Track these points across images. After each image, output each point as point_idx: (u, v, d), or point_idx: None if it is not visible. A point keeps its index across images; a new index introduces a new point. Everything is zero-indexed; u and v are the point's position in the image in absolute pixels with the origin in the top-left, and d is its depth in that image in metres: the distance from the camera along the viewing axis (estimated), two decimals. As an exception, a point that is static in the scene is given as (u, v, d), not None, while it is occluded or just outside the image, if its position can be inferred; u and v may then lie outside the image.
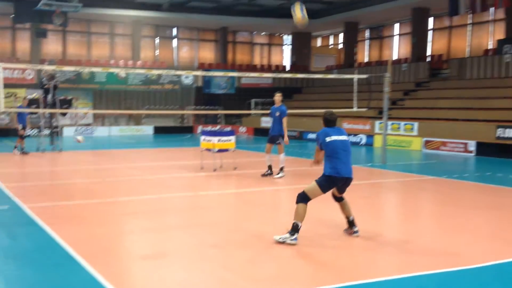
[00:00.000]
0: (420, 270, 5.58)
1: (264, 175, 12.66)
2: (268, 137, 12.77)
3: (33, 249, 6.39)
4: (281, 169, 12.56)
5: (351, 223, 6.90)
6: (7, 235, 7.03)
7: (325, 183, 6.54)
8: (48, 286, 5.12)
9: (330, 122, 6.80)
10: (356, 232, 6.85)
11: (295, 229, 6.44)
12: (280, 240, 6.47)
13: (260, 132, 30.40)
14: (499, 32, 29.17)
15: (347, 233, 6.91)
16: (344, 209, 6.88)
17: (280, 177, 12.47)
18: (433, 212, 9.20)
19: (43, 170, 14.47)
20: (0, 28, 32.58)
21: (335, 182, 6.56)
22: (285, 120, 12.30)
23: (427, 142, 20.93)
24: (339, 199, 6.88)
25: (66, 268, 5.63)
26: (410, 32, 32.97)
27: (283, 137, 12.41)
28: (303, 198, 6.55)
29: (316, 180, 6.58)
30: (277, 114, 12.45)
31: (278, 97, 12.63)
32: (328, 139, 6.61)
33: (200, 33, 38.57)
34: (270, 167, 12.73)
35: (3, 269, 5.57)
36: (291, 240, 6.41)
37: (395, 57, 36.30)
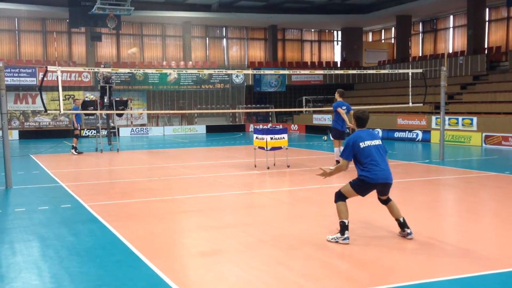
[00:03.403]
0: (481, 270, 5.37)
1: None
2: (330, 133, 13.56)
3: (96, 246, 6.56)
4: (337, 162, 13.01)
5: (402, 225, 6.55)
6: (70, 232, 7.25)
7: (359, 187, 6.36)
8: (111, 282, 5.23)
9: (363, 121, 6.54)
10: (410, 234, 6.48)
11: (343, 228, 6.35)
12: (332, 240, 6.39)
13: (312, 130, 30.18)
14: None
15: (401, 236, 6.58)
16: (393, 211, 6.57)
17: None
18: (495, 210, 8.81)
19: (101, 170, 14.89)
20: (57, 33, 33.81)
21: (370, 187, 6.35)
22: (340, 111, 13.11)
23: (487, 137, 20.15)
24: (385, 202, 6.61)
25: (128, 264, 5.75)
26: (466, 24, 31.90)
27: (337, 131, 13.12)
28: (340, 196, 6.46)
29: (350, 182, 6.45)
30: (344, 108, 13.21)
31: (337, 94, 13.47)
32: (362, 144, 6.34)
33: (249, 32, 38.71)
34: (338, 162, 13.12)
35: (68, 266, 5.74)
36: (343, 240, 6.31)
37: (450, 50, 35.22)
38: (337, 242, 6.34)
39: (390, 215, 6.63)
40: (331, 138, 13.13)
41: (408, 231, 6.51)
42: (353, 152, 6.34)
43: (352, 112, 12.51)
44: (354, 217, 7.03)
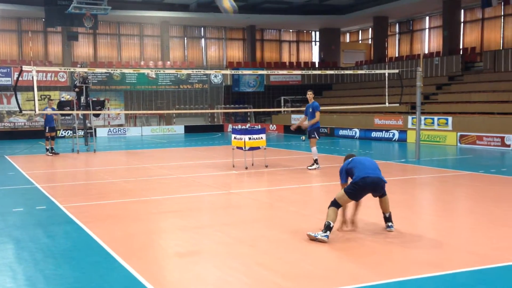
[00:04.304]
0: (456, 268, 5.45)
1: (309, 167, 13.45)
2: (307, 132, 13.56)
3: (72, 248, 6.49)
4: (315, 161, 13.30)
5: (386, 219, 6.97)
6: (45, 234, 7.15)
7: (352, 191, 6.55)
8: (88, 284, 5.17)
9: (349, 157, 7.14)
10: (390, 227, 6.89)
11: (327, 228, 6.44)
12: (313, 235, 6.45)
13: (290, 130, 30.27)
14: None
15: (387, 230, 6.92)
16: (382, 204, 6.93)
17: (314, 168, 13.21)
18: (470, 208, 8.97)
19: (78, 171, 14.71)
20: (32, 32, 33.31)
21: (363, 186, 6.54)
22: (317, 114, 13.19)
23: (462, 136, 20.49)
24: (380, 196, 6.92)
25: (104, 266, 5.70)
26: (441, 25, 32.37)
27: (317, 130, 13.27)
28: (334, 203, 6.60)
29: (344, 189, 6.65)
30: (311, 110, 13.25)
31: (310, 94, 13.48)
32: (351, 159, 6.96)
33: (228, 32, 38.69)
34: (316, 161, 13.42)
35: (43, 268, 5.67)
36: (322, 236, 6.38)
37: (426, 51, 35.69)
38: (316, 237, 6.38)
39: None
40: (312, 137, 13.23)
41: (389, 224, 6.92)
42: (346, 171, 6.88)
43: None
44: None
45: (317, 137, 13.29)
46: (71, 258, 6.04)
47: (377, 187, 6.68)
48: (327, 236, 6.39)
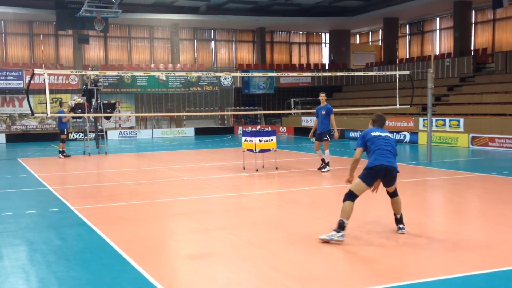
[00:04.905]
0: (469, 271, 5.41)
1: (319, 169, 13.40)
2: (315, 135, 13.47)
3: (84, 249, 6.53)
4: (327, 163, 13.31)
5: (398, 221, 6.95)
6: (58, 236, 7.20)
7: (367, 176, 6.60)
8: (100, 285, 5.19)
9: (376, 121, 7.09)
10: (402, 229, 6.85)
11: (340, 227, 6.38)
12: (327, 238, 6.39)
13: (301, 132, 30.25)
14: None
15: (399, 232, 6.87)
16: (394, 205, 6.92)
17: (327, 171, 13.20)
18: (481, 210, 8.90)
19: (89, 173, 14.81)
20: (43, 36, 33.59)
21: (376, 172, 6.59)
22: (332, 117, 13.20)
23: (474, 138, 20.34)
24: (392, 195, 6.91)
25: (116, 268, 5.72)
26: (452, 26, 32.21)
27: (329, 133, 13.18)
28: (349, 195, 6.56)
29: (359, 176, 6.65)
30: (323, 112, 13.22)
31: (322, 96, 13.47)
32: (373, 133, 6.85)
33: (238, 34, 38.76)
34: (323, 160, 13.36)
35: (56, 270, 5.70)
36: (338, 237, 6.34)
37: (437, 52, 35.51)
38: (331, 239, 6.34)
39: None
40: (325, 140, 13.21)
41: (401, 226, 6.89)
42: (364, 140, 6.82)
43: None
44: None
45: (329, 140, 13.28)
46: (84, 260, 6.07)
47: (389, 176, 6.68)
48: (343, 236, 6.36)
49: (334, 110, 13.56)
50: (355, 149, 6.96)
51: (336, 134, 13.34)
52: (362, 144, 6.85)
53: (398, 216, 6.94)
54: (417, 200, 9.60)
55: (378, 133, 6.86)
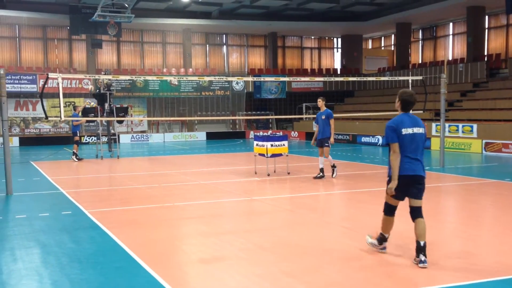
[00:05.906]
0: (483, 277, 5.36)
1: (316, 177, 13.00)
2: (317, 141, 13.18)
3: (97, 253, 6.56)
4: (334, 166, 13.11)
5: (419, 249, 5.65)
6: (71, 239, 7.25)
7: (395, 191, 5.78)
8: (112, 289, 5.22)
9: (409, 104, 5.88)
10: (423, 262, 5.58)
11: (381, 239, 6.25)
12: (370, 244, 6.35)
13: (312, 137, 30.19)
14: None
15: (415, 262, 5.73)
16: (417, 229, 5.75)
17: (337, 175, 13.00)
18: (495, 217, 8.81)
19: (102, 176, 14.89)
20: (57, 40, 33.91)
21: (400, 182, 5.70)
22: (332, 122, 12.92)
23: (487, 144, 20.17)
24: (414, 215, 5.83)
25: (128, 271, 5.75)
26: (465, 31, 32.03)
27: (328, 139, 12.89)
28: (385, 208, 6.10)
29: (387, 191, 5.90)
30: (323, 117, 12.95)
31: (320, 102, 13.16)
32: (404, 131, 5.71)
33: (250, 39, 38.85)
34: (322, 170, 13.02)
35: (69, 273, 5.74)
36: (380, 249, 6.26)
37: (450, 57, 35.31)
38: (373, 246, 6.30)
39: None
40: (326, 146, 12.91)
41: (422, 258, 5.60)
42: (396, 133, 5.71)
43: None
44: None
45: (330, 146, 12.94)
46: (96, 263, 6.10)
47: (413, 184, 5.74)
48: (384, 249, 6.24)
49: (346, 115, 13.44)
50: (387, 144, 5.89)
51: (331, 139, 12.85)
52: (396, 139, 5.71)
53: (422, 244, 5.65)
54: (430, 206, 9.50)
55: (409, 130, 5.70)
